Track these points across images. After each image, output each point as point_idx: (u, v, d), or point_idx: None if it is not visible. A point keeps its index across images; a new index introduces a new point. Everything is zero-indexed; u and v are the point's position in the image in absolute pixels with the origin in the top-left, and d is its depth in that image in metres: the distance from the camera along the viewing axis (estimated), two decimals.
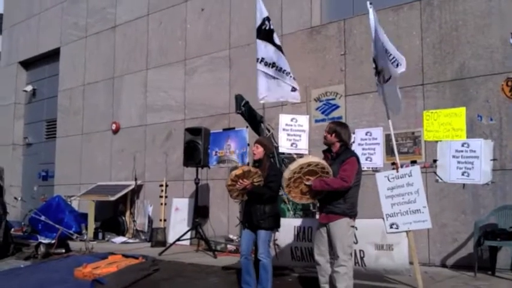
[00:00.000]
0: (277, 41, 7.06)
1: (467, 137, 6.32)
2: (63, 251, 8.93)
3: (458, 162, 6.38)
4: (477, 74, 7.07)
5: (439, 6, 7.53)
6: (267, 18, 7.00)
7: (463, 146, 6.41)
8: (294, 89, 7.14)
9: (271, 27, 7.03)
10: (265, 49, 6.93)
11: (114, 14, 13.12)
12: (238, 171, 5.44)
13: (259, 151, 5.66)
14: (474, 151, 6.30)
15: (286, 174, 5.04)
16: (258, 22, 6.99)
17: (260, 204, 5.52)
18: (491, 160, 6.31)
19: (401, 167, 5.90)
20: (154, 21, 12.01)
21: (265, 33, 6.96)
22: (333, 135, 5.16)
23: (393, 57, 5.69)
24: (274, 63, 6.95)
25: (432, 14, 7.58)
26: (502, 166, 6.67)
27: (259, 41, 6.94)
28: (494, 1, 7.02)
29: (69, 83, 14.20)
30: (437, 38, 7.50)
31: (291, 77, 7.08)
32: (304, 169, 4.99)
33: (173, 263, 7.75)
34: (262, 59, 6.93)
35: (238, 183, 5.44)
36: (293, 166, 5.05)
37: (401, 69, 5.72)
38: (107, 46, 13.15)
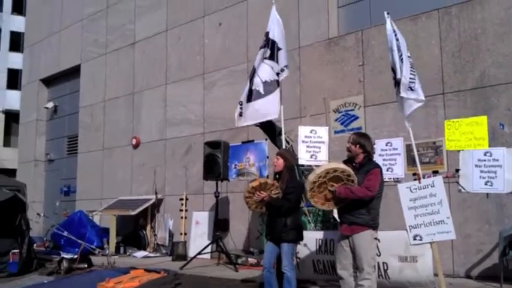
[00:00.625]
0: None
1: (490, 146, 6.23)
2: (86, 266, 8.96)
3: (481, 171, 6.28)
4: (498, 82, 7.00)
5: (457, 15, 7.49)
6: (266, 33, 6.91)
7: (485, 155, 6.32)
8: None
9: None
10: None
11: (133, 30, 13.33)
12: (255, 183, 5.46)
13: (280, 163, 5.66)
14: (497, 160, 6.20)
15: (311, 177, 5.01)
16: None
17: (281, 217, 5.50)
18: None
19: (423, 177, 5.84)
20: (173, 36, 12.17)
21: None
22: (357, 146, 5.15)
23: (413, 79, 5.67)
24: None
25: (451, 22, 7.54)
26: None
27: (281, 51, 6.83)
28: None
29: (90, 99, 14.42)
30: (457, 47, 7.45)
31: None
32: (330, 174, 4.95)
33: (194, 277, 7.74)
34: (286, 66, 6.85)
35: (256, 195, 5.44)
36: (319, 170, 5.02)
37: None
38: (127, 62, 13.34)
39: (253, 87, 6.74)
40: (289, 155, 5.99)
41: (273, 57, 6.77)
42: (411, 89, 5.67)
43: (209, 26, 11.33)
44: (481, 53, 7.22)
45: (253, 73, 6.78)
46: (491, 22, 7.17)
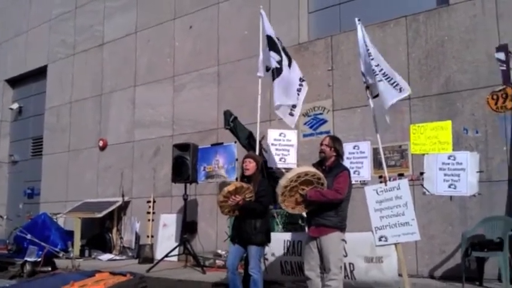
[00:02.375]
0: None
1: (454, 150, 6.40)
2: (50, 269, 8.75)
3: (445, 174, 6.43)
4: (463, 88, 7.19)
5: (424, 22, 7.68)
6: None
7: (449, 158, 6.47)
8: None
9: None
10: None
11: (102, 31, 13.17)
12: (230, 188, 5.40)
13: (252, 166, 5.65)
14: (460, 163, 6.36)
15: (283, 182, 5.03)
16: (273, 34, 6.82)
17: (251, 220, 5.50)
18: (477, 172, 6.38)
19: (389, 180, 5.94)
20: (143, 38, 12.07)
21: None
22: (332, 149, 5.24)
23: (395, 82, 5.74)
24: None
25: (418, 29, 7.72)
26: (488, 178, 6.74)
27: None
28: (478, 17, 7.18)
29: (57, 101, 14.15)
30: (423, 53, 7.63)
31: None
32: (302, 178, 4.99)
33: (161, 279, 7.64)
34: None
35: (231, 199, 5.41)
36: (290, 174, 5.05)
37: (404, 93, 5.76)
38: (95, 63, 13.16)
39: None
40: (259, 158, 6.02)
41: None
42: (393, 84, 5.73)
43: (180, 29, 11.28)
44: (446, 59, 7.40)
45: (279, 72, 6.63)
46: (457, 29, 7.37)
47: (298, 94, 6.82)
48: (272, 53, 6.56)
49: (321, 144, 5.35)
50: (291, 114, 6.79)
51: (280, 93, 6.47)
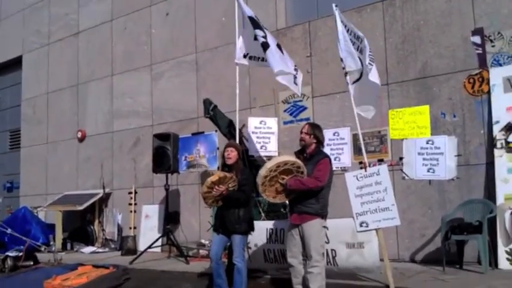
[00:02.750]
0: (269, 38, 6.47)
1: (432, 134, 6.49)
2: (31, 263, 8.70)
3: (424, 159, 6.53)
4: (440, 73, 7.23)
5: (401, 6, 7.68)
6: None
7: (427, 143, 6.56)
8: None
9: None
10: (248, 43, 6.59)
11: (76, 20, 12.92)
12: (214, 178, 5.35)
13: (234, 155, 5.63)
14: (439, 148, 6.46)
15: (263, 172, 5.05)
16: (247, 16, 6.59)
17: (235, 209, 5.51)
18: (455, 156, 6.50)
19: (369, 165, 5.99)
20: (119, 26, 11.88)
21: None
22: (312, 136, 5.27)
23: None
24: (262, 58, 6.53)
25: (394, 14, 7.73)
26: (466, 161, 6.83)
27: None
28: (454, 1, 7.21)
29: (33, 92, 13.89)
30: (400, 38, 7.65)
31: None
32: (281, 168, 5.02)
33: (145, 271, 7.64)
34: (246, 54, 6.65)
35: (214, 189, 5.38)
36: (270, 164, 5.06)
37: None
38: (71, 53, 12.93)
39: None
40: (240, 146, 6.02)
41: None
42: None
43: (156, 16, 11.12)
44: (423, 44, 7.43)
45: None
46: (433, 14, 7.39)
47: (296, 70, 6.68)
48: (258, 31, 6.42)
49: (301, 132, 5.37)
50: (295, 83, 6.64)
51: (278, 61, 6.12)
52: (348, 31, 6.02)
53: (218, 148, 8.89)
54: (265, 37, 6.29)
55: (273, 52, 6.13)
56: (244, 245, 5.67)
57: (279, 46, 6.49)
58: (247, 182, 5.56)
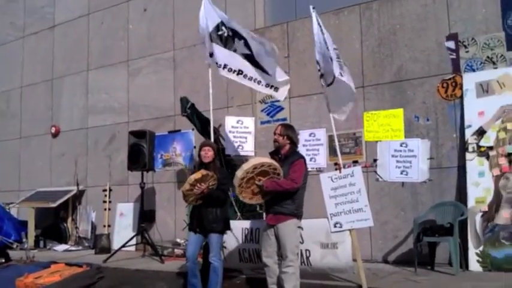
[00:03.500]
0: (241, 47, 6.59)
1: (405, 137, 6.58)
2: (3, 260, 8.57)
3: (397, 161, 6.61)
4: (414, 77, 7.35)
5: (377, 10, 7.77)
6: (222, 23, 6.61)
7: (401, 145, 6.65)
8: (275, 89, 6.77)
9: (230, 33, 6.59)
10: (225, 56, 6.56)
11: (52, 13, 12.71)
12: (197, 176, 5.37)
13: (211, 154, 5.67)
14: (412, 150, 6.55)
15: (239, 173, 5.08)
16: (210, 27, 6.58)
17: (212, 208, 5.54)
18: (428, 159, 6.60)
19: (344, 167, 6.06)
20: (95, 20, 11.73)
21: (224, 39, 6.58)
22: (285, 137, 5.32)
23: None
24: (240, 70, 6.59)
25: (371, 17, 7.82)
26: (439, 164, 6.96)
27: (216, 46, 6.55)
28: (429, 6, 7.32)
29: (6, 85, 13.61)
30: (376, 41, 7.74)
31: (269, 77, 6.66)
32: (257, 169, 5.05)
33: (119, 269, 7.57)
34: (225, 65, 6.57)
35: (196, 187, 5.40)
36: (246, 166, 5.09)
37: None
38: (46, 46, 12.71)
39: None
40: (215, 145, 6.04)
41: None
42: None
43: (134, 11, 11.01)
44: (398, 48, 7.53)
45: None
46: (409, 18, 7.49)
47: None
48: (237, 43, 6.51)
49: (274, 134, 5.42)
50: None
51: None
52: (322, 33, 6.07)
53: (195, 147, 8.84)
54: (247, 44, 6.38)
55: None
56: (221, 244, 5.72)
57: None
58: (226, 182, 5.63)
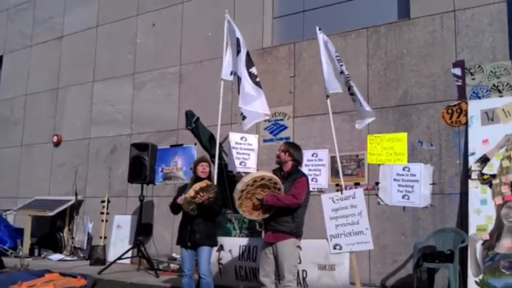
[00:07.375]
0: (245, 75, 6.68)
1: (408, 162, 6.57)
2: None
3: (399, 185, 6.60)
4: (419, 101, 7.35)
5: (385, 34, 7.82)
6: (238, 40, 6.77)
7: (404, 170, 6.64)
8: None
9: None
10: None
11: (61, 23, 12.81)
12: (202, 184, 5.44)
13: (208, 170, 5.78)
14: (414, 175, 6.54)
15: (240, 186, 5.04)
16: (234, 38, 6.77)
17: (205, 222, 5.54)
18: (430, 184, 6.58)
19: (345, 188, 6.03)
20: (104, 33, 11.82)
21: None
22: (286, 154, 5.29)
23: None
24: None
25: (379, 41, 7.86)
26: (441, 190, 6.91)
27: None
28: (437, 32, 7.37)
29: (11, 93, 13.66)
30: (383, 65, 7.77)
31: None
32: (258, 182, 5.02)
33: (113, 282, 7.50)
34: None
35: (199, 196, 5.40)
36: (247, 179, 5.06)
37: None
38: (53, 56, 12.78)
39: (246, 91, 6.55)
40: (211, 162, 6.09)
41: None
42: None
43: (142, 25, 11.10)
44: (405, 72, 7.56)
45: (239, 79, 6.60)
46: (416, 44, 7.53)
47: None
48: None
49: (278, 150, 5.41)
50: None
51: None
52: (328, 52, 6.12)
53: None
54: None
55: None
56: (210, 258, 5.69)
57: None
58: (220, 197, 5.71)
